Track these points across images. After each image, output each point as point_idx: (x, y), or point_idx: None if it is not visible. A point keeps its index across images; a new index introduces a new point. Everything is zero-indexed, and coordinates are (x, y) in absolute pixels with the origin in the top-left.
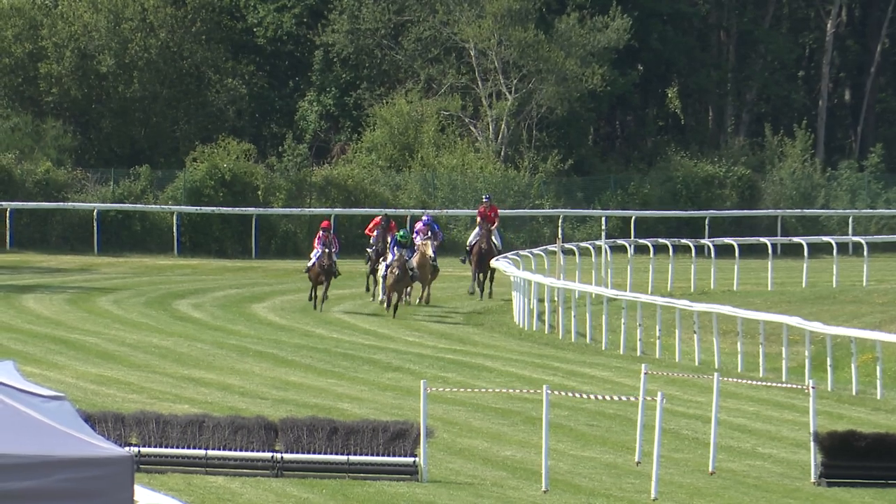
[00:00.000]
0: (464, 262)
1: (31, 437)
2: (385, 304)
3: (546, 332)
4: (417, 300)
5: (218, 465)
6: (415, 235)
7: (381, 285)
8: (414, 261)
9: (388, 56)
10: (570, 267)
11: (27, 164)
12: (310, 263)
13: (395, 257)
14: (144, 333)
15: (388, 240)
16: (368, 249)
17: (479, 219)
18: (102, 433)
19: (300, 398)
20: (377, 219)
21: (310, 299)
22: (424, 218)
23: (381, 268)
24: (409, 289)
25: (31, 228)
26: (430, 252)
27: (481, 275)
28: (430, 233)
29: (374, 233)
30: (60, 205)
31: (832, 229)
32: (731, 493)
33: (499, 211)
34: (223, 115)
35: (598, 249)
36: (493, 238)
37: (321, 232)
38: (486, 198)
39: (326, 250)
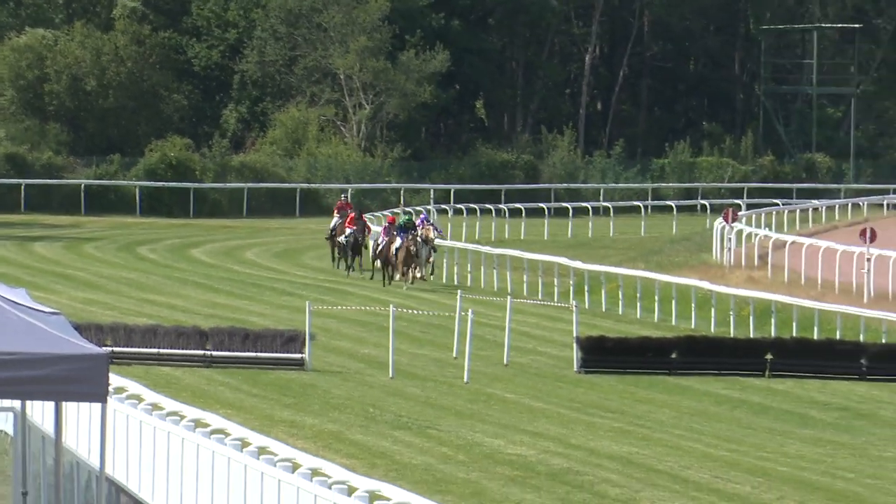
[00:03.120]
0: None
1: (37, 340)
2: (401, 278)
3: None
4: (420, 275)
5: (167, 360)
6: (416, 220)
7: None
8: (420, 238)
9: (284, 79)
10: None
11: (35, 153)
12: (382, 248)
13: (408, 237)
14: (116, 269)
15: (346, 218)
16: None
17: (335, 211)
18: (87, 338)
19: (224, 314)
20: (339, 202)
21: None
22: (423, 215)
23: (392, 249)
24: (415, 266)
25: (38, 198)
26: (431, 235)
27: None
28: (430, 224)
29: (337, 214)
30: (58, 181)
31: (589, 197)
32: (520, 379)
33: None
34: (171, 120)
35: (428, 212)
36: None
37: (351, 214)
38: (410, 212)
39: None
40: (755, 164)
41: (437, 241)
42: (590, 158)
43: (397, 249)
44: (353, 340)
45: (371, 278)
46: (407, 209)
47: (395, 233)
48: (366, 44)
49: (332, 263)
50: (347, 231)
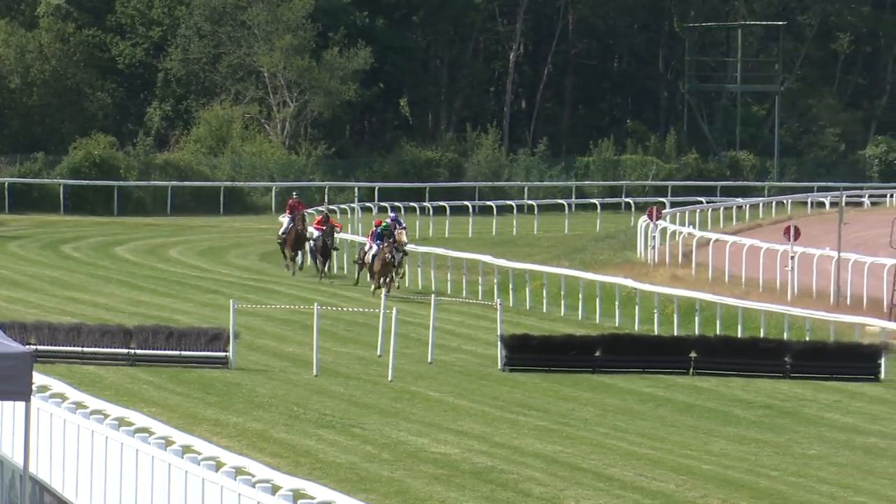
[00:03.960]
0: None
1: None
2: (373, 287)
3: (316, 266)
4: (397, 285)
5: (90, 358)
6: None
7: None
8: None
9: (208, 76)
10: None
11: None
12: (368, 254)
13: (384, 245)
14: (40, 267)
15: (296, 215)
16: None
17: (287, 210)
18: (10, 336)
19: (147, 312)
20: (290, 201)
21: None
22: (392, 215)
23: (369, 256)
24: (393, 274)
25: None
26: (404, 239)
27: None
28: (401, 225)
29: (289, 214)
30: None
31: (513, 195)
32: (444, 377)
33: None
34: (95, 118)
35: (353, 210)
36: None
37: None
38: (388, 223)
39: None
40: (679, 162)
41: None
42: (514, 156)
43: (374, 257)
44: (277, 339)
45: (356, 283)
46: (331, 207)
47: (373, 240)
48: (290, 42)
49: (283, 266)
50: (315, 234)
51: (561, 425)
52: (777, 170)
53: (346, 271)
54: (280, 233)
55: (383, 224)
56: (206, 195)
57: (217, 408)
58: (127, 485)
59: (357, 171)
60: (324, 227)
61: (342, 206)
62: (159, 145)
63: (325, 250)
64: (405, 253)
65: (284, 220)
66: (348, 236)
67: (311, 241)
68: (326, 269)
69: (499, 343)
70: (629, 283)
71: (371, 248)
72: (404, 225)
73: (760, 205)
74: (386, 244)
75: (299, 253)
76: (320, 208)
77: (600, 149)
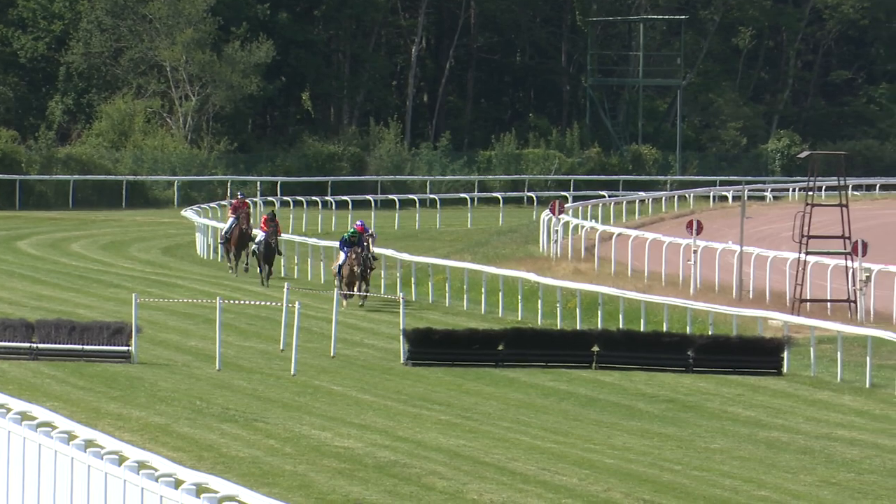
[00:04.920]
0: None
1: None
2: (343, 297)
3: (219, 260)
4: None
5: None
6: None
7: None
8: (367, 253)
9: (110, 70)
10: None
11: None
12: (338, 264)
13: (351, 254)
14: None
15: (240, 215)
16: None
17: (230, 211)
18: None
19: (50, 306)
20: (234, 201)
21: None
22: (358, 222)
23: (334, 266)
24: (363, 283)
25: None
26: (373, 249)
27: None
28: (369, 232)
29: (232, 214)
30: None
31: (416, 189)
32: (347, 371)
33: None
34: None
35: (255, 203)
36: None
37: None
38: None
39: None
40: (582, 156)
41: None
42: (416, 150)
43: (340, 266)
44: (179, 333)
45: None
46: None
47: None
48: (191, 35)
49: (228, 270)
50: (259, 235)
51: (464, 419)
52: (679, 164)
53: (296, 275)
54: (223, 232)
55: (350, 231)
56: (108, 189)
57: (120, 402)
58: (29, 479)
59: (259, 165)
60: (267, 229)
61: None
62: (61, 139)
63: (269, 254)
64: (374, 258)
65: (230, 220)
66: (290, 237)
67: (255, 244)
68: (267, 275)
69: (401, 337)
70: (532, 277)
71: (339, 256)
72: (372, 232)
73: (663, 199)
74: (354, 254)
75: (243, 254)
76: (225, 202)
77: (503, 143)
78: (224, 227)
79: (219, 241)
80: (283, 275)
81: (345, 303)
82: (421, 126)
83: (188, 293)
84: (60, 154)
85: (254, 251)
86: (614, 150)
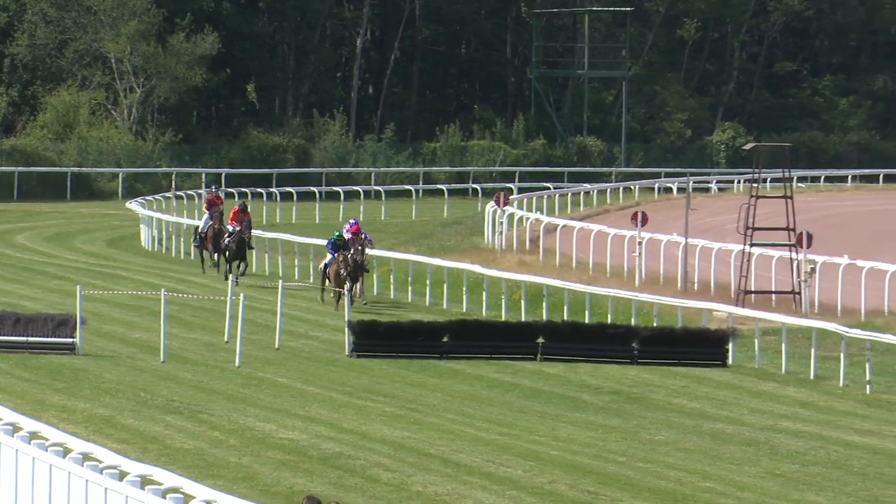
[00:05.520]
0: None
1: None
2: (334, 298)
3: (163, 252)
4: (359, 295)
5: None
6: (346, 234)
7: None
8: (358, 257)
9: (55, 62)
10: (179, 207)
11: None
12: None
13: (338, 256)
14: None
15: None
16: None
17: (205, 206)
18: None
19: None
20: (209, 195)
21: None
22: (352, 220)
23: (321, 264)
24: (354, 284)
25: None
26: (369, 252)
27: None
28: (362, 234)
29: (207, 210)
30: None
31: (361, 181)
32: (292, 363)
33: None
34: None
35: (199, 196)
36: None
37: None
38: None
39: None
40: (527, 148)
41: (369, 251)
42: (361, 142)
43: (326, 266)
44: (124, 325)
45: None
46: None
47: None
48: (136, 27)
49: (201, 270)
50: (230, 230)
51: (408, 411)
52: (624, 155)
53: (267, 272)
54: (199, 231)
55: (335, 234)
56: (52, 181)
57: (64, 394)
58: None
59: (204, 157)
60: (238, 224)
61: (189, 192)
62: (5, 131)
63: (240, 250)
64: (366, 270)
65: (204, 218)
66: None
67: (227, 238)
68: (242, 271)
69: (346, 329)
70: (477, 268)
71: (326, 255)
72: (366, 235)
73: (608, 190)
74: (341, 256)
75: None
76: (169, 194)
77: (447, 134)
78: (200, 223)
79: (192, 242)
80: (254, 271)
81: (338, 302)
82: (366, 118)
83: (133, 285)
84: (5, 146)
85: (225, 246)
86: (559, 141)
